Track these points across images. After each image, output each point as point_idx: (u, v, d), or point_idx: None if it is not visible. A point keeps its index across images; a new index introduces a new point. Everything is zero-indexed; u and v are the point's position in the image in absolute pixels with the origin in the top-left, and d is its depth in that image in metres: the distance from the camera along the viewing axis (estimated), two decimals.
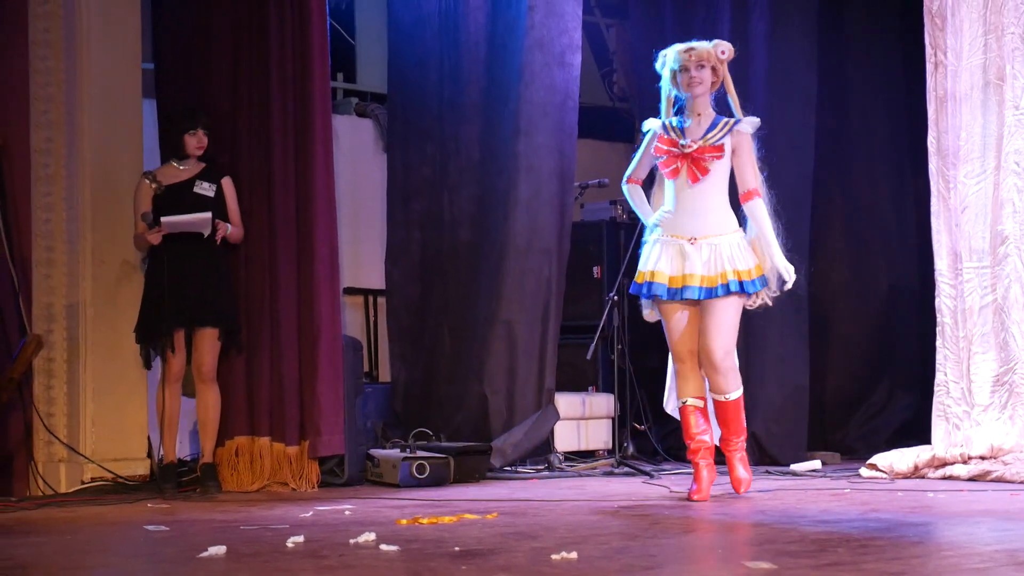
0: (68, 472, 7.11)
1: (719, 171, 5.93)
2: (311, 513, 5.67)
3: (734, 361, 5.98)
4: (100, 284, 7.20)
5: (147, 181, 6.99)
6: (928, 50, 6.93)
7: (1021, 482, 6.31)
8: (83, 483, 7.04)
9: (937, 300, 6.93)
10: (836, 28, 8.68)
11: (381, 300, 8.76)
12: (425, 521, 5.13)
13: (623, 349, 8.06)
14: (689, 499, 5.87)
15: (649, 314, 6.14)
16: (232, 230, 7.01)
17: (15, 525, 5.62)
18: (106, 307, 7.19)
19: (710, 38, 8.38)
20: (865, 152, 8.86)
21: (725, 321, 5.93)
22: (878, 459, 6.89)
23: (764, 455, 7.82)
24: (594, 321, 7.91)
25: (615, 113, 10.24)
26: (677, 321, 5.99)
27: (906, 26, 8.45)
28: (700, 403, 6.02)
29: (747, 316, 8.01)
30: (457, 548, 4.35)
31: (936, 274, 6.95)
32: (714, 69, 6.00)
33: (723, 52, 6.01)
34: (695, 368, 6.01)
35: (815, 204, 8.16)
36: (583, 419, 8.14)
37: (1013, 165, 6.65)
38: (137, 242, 7.07)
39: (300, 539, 4.62)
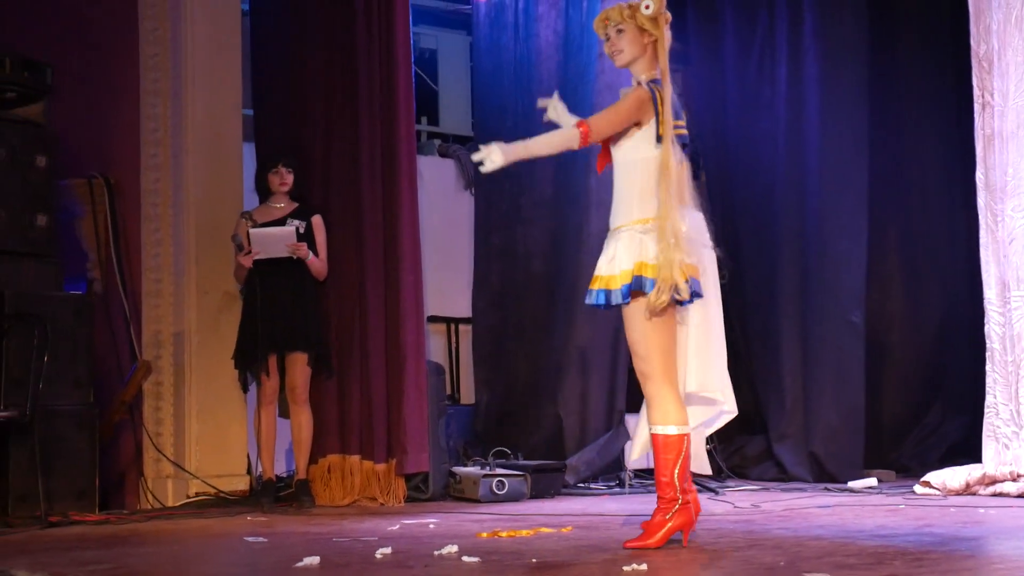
0: (175, 487, 7.21)
1: (619, 151, 4.67)
2: (398, 526, 5.71)
3: (654, 386, 4.53)
4: (203, 314, 7.31)
5: (244, 220, 7.09)
6: (976, 91, 6.88)
7: None
8: (188, 497, 7.14)
9: (986, 327, 6.86)
10: (889, 71, 8.63)
11: (463, 327, 8.81)
12: (504, 534, 5.15)
13: None
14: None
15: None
16: (315, 261, 7.02)
17: (128, 536, 5.72)
18: (209, 335, 7.29)
19: (769, 83, 8.39)
20: (918, 188, 8.79)
21: (629, 337, 4.59)
22: (931, 477, 6.84)
23: (823, 473, 7.78)
24: None
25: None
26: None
27: (956, 68, 8.38)
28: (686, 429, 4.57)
29: (806, 342, 8.06)
30: (534, 560, 4.38)
31: (985, 302, 6.88)
32: (643, 30, 4.60)
33: (647, 6, 4.56)
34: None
35: (871, 237, 8.13)
36: None
37: None
38: (235, 273, 7.17)
39: (388, 551, 4.66)
